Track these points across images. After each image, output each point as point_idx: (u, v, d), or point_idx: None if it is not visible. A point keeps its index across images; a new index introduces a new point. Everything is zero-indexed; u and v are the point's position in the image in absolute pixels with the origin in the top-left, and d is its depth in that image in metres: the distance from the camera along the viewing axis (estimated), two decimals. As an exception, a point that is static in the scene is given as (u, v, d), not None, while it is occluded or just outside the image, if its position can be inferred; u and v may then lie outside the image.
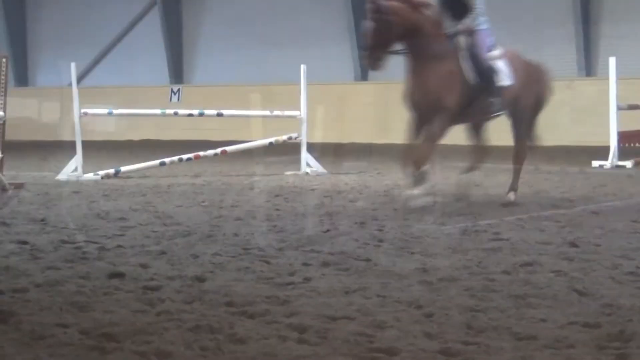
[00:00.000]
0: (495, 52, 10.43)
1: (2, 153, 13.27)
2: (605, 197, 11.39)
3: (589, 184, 13.22)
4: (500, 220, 9.36)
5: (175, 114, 17.80)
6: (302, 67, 16.68)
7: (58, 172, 15.22)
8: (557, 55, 26.32)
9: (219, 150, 15.89)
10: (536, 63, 11.20)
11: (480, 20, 10.33)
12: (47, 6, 34.44)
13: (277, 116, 17.61)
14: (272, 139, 16.38)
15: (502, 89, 10.35)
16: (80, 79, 22.65)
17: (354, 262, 6.99)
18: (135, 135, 28.92)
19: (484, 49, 10.27)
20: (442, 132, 10.14)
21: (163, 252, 7.49)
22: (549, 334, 4.80)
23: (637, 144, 17.64)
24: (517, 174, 11.27)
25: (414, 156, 10.00)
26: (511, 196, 10.96)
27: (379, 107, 26.87)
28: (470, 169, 11.35)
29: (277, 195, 12.12)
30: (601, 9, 25.98)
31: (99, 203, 11.28)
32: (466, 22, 10.23)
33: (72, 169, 14.99)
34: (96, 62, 33.27)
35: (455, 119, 10.30)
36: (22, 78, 34.63)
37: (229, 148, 16.09)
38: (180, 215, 9.97)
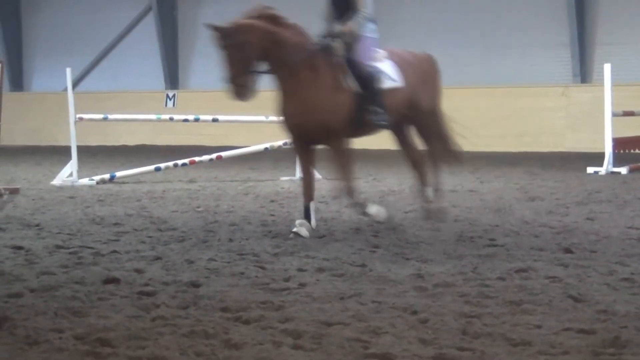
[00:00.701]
0: (379, 54, 9.21)
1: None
2: (600, 204, 11.40)
3: (584, 190, 13.23)
4: (495, 226, 9.36)
5: (171, 119, 17.77)
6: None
7: (53, 177, 15.21)
8: (553, 62, 26.36)
9: (214, 155, 15.88)
10: (424, 55, 9.99)
11: (368, 27, 9.11)
12: (42, 11, 34.41)
13: (272, 122, 17.60)
14: (267, 145, 16.38)
15: (389, 92, 9.10)
16: (75, 84, 22.63)
17: (349, 268, 6.99)
18: (131, 141, 28.88)
19: (370, 55, 9.07)
20: (345, 155, 8.97)
21: (158, 258, 7.49)
22: (543, 340, 4.80)
23: (632, 151, 17.65)
24: (433, 173, 9.93)
25: (342, 190, 9.03)
26: (429, 192, 9.82)
27: (374, 113, 26.86)
28: (422, 184, 9.93)
29: (272, 201, 12.12)
30: (596, 16, 26.01)
31: (94, 208, 11.27)
32: (348, 25, 9.00)
33: (67, 174, 14.97)
34: (91, 67, 33.27)
35: (349, 132, 9.05)
36: (18, 83, 34.59)
37: (224, 153, 16.08)
38: (175, 221, 9.96)
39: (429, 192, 9.84)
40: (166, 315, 5.36)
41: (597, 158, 17.08)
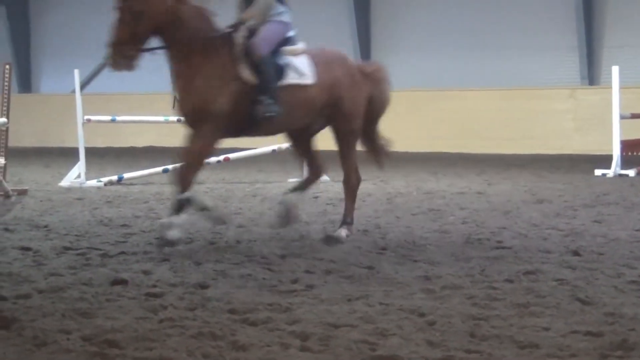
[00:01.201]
0: (293, 47, 8.59)
1: (5, 159, 13.27)
2: (608, 206, 11.38)
3: (592, 192, 13.21)
4: (503, 229, 9.35)
5: (179, 120, 17.77)
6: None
7: (61, 179, 15.22)
8: (561, 64, 26.33)
9: (221, 157, 15.88)
10: (369, 64, 9.42)
11: (278, 10, 8.51)
12: (51, 13, 34.48)
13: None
14: (275, 147, 16.37)
15: (293, 87, 8.46)
16: (83, 85, 22.65)
17: (356, 270, 6.99)
18: (139, 142, 28.90)
19: (271, 42, 8.40)
20: (207, 145, 8.33)
21: (166, 259, 7.49)
22: (551, 343, 4.80)
23: (640, 153, 17.64)
24: (349, 202, 8.98)
25: (176, 178, 8.26)
26: (342, 232, 8.68)
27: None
28: (302, 186, 9.20)
29: (280, 203, 12.10)
30: (604, 18, 25.98)
31: (101, 210, 11.28)
32: (251, 11, 8.43)
33: (75, 175, 14.99)
34: (100, 68, 33.32)
35: (234, 127, 8.42)
36: (26, 84, 34.64)
37: (231, 155, 16.07)
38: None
39: (342, 231, 8.73)
40: (174, 317, 5.36)
41: (605, 160, 17.05)
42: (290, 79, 8.46)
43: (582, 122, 24.75)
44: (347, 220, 8.82)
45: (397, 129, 26.41)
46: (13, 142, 14.09)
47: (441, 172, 17.67)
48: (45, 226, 9.56)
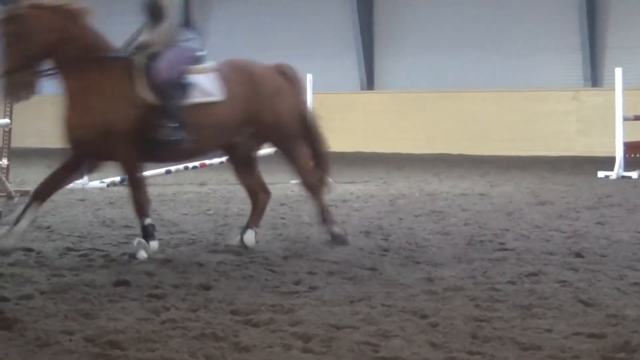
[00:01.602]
0: (200, 66, 8.12)
1: (8, 160, 13.28)
2: (611, 208, 11.38)
3: (595, 194, 13.20)
4: (505, 230, 9.35)
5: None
6: (308, 77, 16.70)
7: (64, 180, 15.21)
8: (563, 66, 26.33)
9: (224, 158, 15.87)
10: (281, 65, 8.79)
11: (185, 36, 8.07)
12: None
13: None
14: (278, 148, 16.37)
15: (200, 106, 7.95)
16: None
17: (359, 271, 6.99)
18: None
19: (173, 67, 7.88)
20: (127, 164, 7.99)
21: (168, 260, 7.50)
22: (553, 345, 4.80)
23: (643, 155, 17.62)
24: (317, 201, 8.66)
25: (135, 206, 7.95)
26: (334, 229, 8.54)
27: (385, 117, 26.87)
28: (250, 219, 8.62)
29: (282, 204, 12.12)
30: (607, 20, 25.97)
31: (104, 211, 11.29)
32: (153, 35, 7.94)
33: (78, 176, 14.99)
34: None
35: (142, 152, 7.93)
36: (29, 85, 34.72)
37: (234, 156, 16.06)
38: (186, 224, 9.97)
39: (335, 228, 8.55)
40: (176, 318, 5.36)
41: (607, 162, 17.05)
42: (196, 98, 7.95)
43: (585, 123, 24.75)
44: (326, 219, 8.55)
45: (400, 129, 26.52)
46: (16, 143, 14.10)
47: (444, 174, 17.67)
48: (48, 227, 9.57)
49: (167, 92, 7.80)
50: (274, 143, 8.72)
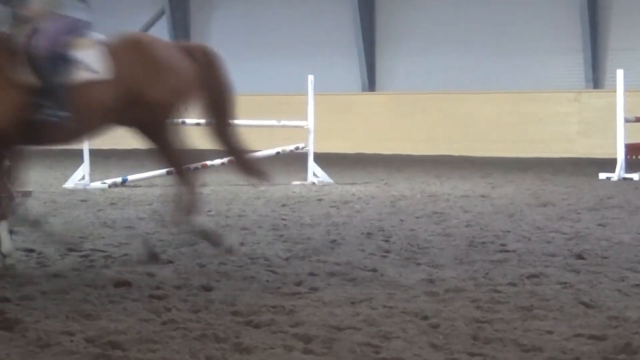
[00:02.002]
0: (85, 40, 7.45)
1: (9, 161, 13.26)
2: (612, 210, 11.37)
3: (596, 196, 13.20)
4: (507, 232, 9.35)
5: (183, 122, 17.79)
6: (310, 78, 16.70)
7: (65, 181, 15.23)
8: (565, 67, 26.33)
9: (226, 159, 15.89)
10: (192, 45, 8.37)
11: (70, 6, 7.43)
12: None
13: (284, 126, 17.73)
14: (279, 149, 16.38)
15: (83, 85, 7.31)
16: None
17: (360, 273, 6.99)
18: (143, 144, 28.99)
19: (54, 40, 7.22)
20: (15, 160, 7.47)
21: (169, 261, 7.50)
22: (554, 346, 4.80)
23: (644, 157, 17.61)
24: (192, 196, 8.13)
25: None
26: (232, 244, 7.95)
27: (386, 118, 26.87)
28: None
29: (283, 205, 12.12)
30: (609, 21, 25.97)
31: (105, 211, 11.30)
32: (33, 6, 7.27)
33: (80, 177, 15.00)
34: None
35: (17, 136, 7.32)
36: (30, 86, 34.74)
37: (235, 157, 16.06)
38: (187, 225, 9.95)
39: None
40: (177, 319, 5.37)
41: (609, 164, 17.04)
42: (79, 77, 7.30)
43: (586, 125, 24.75)
44: (193, 212, 7.91)
45: (401, 131, 26.51)
46: (17, 144, 14.07)
47: (445, 175, 17.66)
48: (49, 228, 9.56)
49: (47, 69, 7.16)
50: (150, 125, 7.92)
